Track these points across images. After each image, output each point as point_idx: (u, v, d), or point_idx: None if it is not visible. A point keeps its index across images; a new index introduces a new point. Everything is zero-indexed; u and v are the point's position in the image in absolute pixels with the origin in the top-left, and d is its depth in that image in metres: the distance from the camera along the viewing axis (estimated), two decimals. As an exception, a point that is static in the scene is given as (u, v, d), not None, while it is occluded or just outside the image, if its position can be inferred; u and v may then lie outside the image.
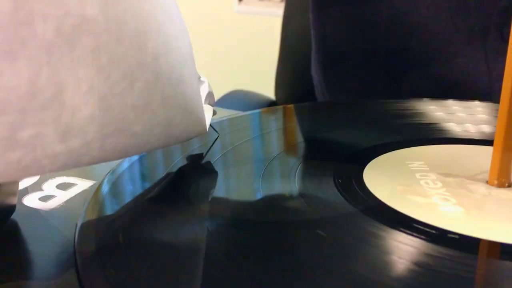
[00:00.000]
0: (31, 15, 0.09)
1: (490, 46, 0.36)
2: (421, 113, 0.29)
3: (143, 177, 0.22)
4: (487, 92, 0.36)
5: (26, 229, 0.21)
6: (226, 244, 0.16)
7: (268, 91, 0.72)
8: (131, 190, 0.20)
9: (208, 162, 0.23)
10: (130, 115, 0.13)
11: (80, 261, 0.14)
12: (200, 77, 0.24)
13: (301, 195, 0.19)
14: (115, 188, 0.20)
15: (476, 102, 0.31)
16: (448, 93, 0.38)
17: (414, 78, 0.39)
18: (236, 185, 0.21)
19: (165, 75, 0.15)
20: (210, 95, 0.24)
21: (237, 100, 0.63)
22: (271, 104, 0.64)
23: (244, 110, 0.61)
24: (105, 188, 0.19)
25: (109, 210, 0.18)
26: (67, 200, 0.23)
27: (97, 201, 0.18)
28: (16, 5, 0.10)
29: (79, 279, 0.14)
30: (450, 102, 0.31)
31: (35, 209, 0.22)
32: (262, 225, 0.17)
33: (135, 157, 0.22)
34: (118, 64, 0.12)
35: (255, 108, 0.62)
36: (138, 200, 0.19)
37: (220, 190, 0.20)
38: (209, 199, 0.19)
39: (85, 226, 0.16)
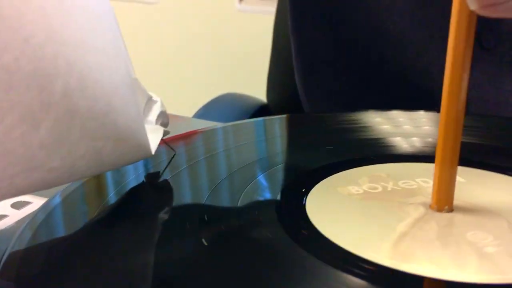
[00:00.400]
0: None
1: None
2: (366, 126, 0.29)
3: (91, 200, 0.22)
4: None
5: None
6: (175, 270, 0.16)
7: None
8: (75, 214, 0.20)
9: (165, 181, 0.23)
10: (39, 154, 0.13)
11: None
12: (151, 97, 0.24)
13: (241, 226, 0.19)
14: (58, 211, 0.20)
15: (421, 112, 0.30)
16: (425, 100, 0.37)
17: (391, 88, 0.38)
18: (182, 210, 0.21)
19: (83, 110, 0.15)
20: (162, 114, 0.24)
21: (225, 104, 0.63)
22: (260, 108, 0.64)
23: (232, 115, 0.61)
24: (43, 213, 0.19)
25: (44, 237, 0.18)
26: (18, 220, 0.23)
27: (33, 227, 0.18)
28: None
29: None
30: (395, 113, 0.31)
31: (-15, 229, 0.22)
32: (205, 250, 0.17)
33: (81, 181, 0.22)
34: (11, 110, 0.12)
35: (242, 113, 0.62)
36: (82, 225, 0.19)
37: (174, 210, 0.20)
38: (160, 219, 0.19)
39: (11, 256, 0.16)
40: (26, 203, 0.24)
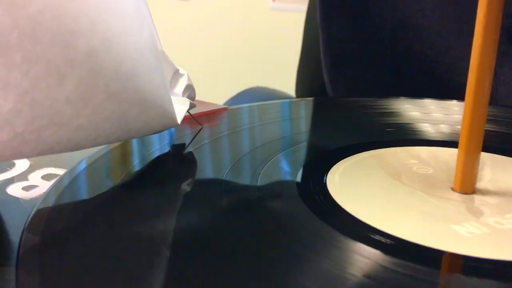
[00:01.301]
0: None
1: (498, 50, 0.35)
2: (397, 112, 0.29)
3: (115, 167, 0.22)
4: (492, 96, 0.35)
5: (4, 217, 0.22)
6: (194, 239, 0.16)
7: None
8: (102, 177, 0.21)
9: (190, 153, 0.23)
10: (66, 110, 0.14)
11: (22, 246, 0.15)
12: (178, 70, 0.24)
13: (261, 197, 0.19)
14: (88, 172, 0.21)
15: (454, 102, 0.30)
16: (453, 95, 0.37)
17: (419, 80, 0.38)
18: (204, 181, 0.21)
19: (108, 71, 0.15)
20: (189, 87, 0.24)
21: (252, 97, 0.63)
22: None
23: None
24: (76, 171, 0.20)
25: (73, 196, 0.19)
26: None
27: (58, 189, 0.19)
28: None
29: (16, 272, 0.14)
30: (427, 101, 0.30)
31: (16, 198, 0.23)
32: (224, 222, 0.17)
33: (112, 145, 0.23)
34: (37, 61, 0.12)
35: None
36: (105, 190, 0.20)
37: (196, 180, 0.21)
38: (182, 189, 0.20)
39: (39, 212, 0.17)
40: (56, 175, 0.25)
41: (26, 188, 0.24)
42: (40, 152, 0.15)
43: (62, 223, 0.17)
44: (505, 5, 0.34)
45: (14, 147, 0.13)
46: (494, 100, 0.35)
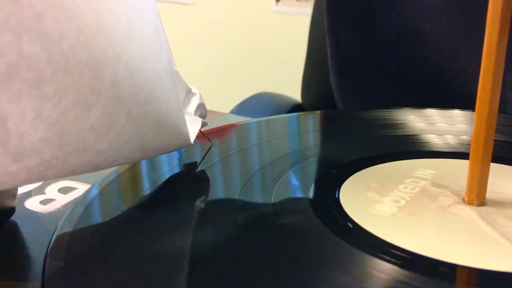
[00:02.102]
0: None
1: (506, 56, 0.36)
2: (401, 123, 0.29)
3: (131, 186, 0.23)
4: (501, 100, 0.35)
5: (23, 231, 0.22)
6: (208, 255, 0.16)
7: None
8: (116, 200, 0.22)
9: (202, 171, 0.24)
10: (90, 137, 0.14)
11: (47, 272, 0.15)
12: (191, 89, 0.25)
13: (275, 213, 0.19)
14: (101, 197, 0.21)
15: (457, 111, 0.30)
16: (461, 102, 0.37)
17: (426, 87, 0.38)
18: (218, 199, 0.22)
19: (130, 97, 0.16)
20: (201, 106, 0.25)
21: (260, 103, 0.64)
22: (295, 107, 0.65)
23: (265, 114, 0.62)
24: (89, 197, 0.21)
25: (89, 221, 0.20)
26: (65, 204, 0.24)
27: (76, 212, 0.20)
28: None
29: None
30: (431, 111, 0.31)
31: (34, 211, 0.24)
32: (241, 238, 0.18)
33: (124, 166, 0.23)
34: (67, 93, 0.13)
35: (277, 112, 0.63)
36: (120, 212, 0.20)
37: (209, 198, 0.21)
38: (197, 207, 0.20)
39: (59, 237, 0.18)
40: (72, 189, 0.26)
41: (44, 202, 0.24)
42: (63, 175, 0.15)
43: (83, 246, 0.17)
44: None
45: (40, 172, 0.14)
46: (502, 105, 0.35)
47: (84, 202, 0.21)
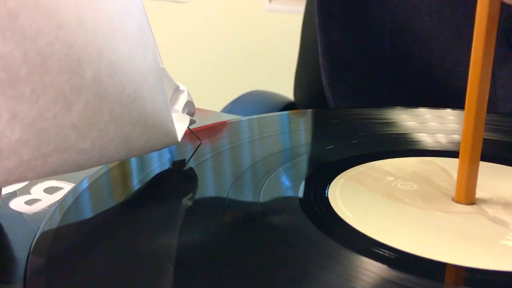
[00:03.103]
0: None
1: (497, 53, 0.36)
2: (393, 122, 0.29)
3: (116, 185, 0.22)
4: (492, 100, 0.35)
5: (8, 232, 0.22)
6: (199, 253, 0.16)
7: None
8: (102, 198, 0.21)
9: (190, 168, 0.24)
10: (71, 135, 0.14)
11: (29, 271, 0.15)
12: (179, 86, 0.24)
13: (264, 212, 0.19)
14: (89, 192, 0.21)
15: (448, 110, 0.30)
16: (452, 99, 0.37)
17: (418, 85, 0.38)
18: (206, 197, 0.21)
19: (113, 96, 0.15)
20: (189, 104, 0.25)
21: (252, 101, 0.63)
22: (288, 105, 0.65)
23: (258, 112, 0.62)
24: (77, 192, 0.20)
25: (73, 219, 0.19)
26: (50, 204, 0.24)
27: (62, 209, 0.19)
28: None
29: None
30: (422, 110, 0.31)
31: (19, 212, 0.23)
32: (228, 235, 0.17)
33: (111, 164, 0.23)
34: (45, 91, 0.13)
35: (269, 110, 0.62)
36: (106, 210, 0.20)
37: (197, 196, 0.21)
38: (185, 205, 0.20)
39: (42, 236, 0.17)
40: (58, 189, 0.25)
41: (29, 202, 0.24)
42: (44, 175, 0.15)
43: (67, 243, 0.17)
44: (503, 9, 0.34)
45: (19, 173, 0.13)
46: (493, 103, 0.35)
47: (73, 195, 0.20)
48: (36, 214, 0.23)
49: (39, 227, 0.18)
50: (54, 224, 0.18)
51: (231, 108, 0.58)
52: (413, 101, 0.38)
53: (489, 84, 0.19)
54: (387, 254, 0.16)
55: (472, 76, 0.18)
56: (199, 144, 0.26)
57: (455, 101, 0.37)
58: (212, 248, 0.17)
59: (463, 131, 0.19)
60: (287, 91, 0.72)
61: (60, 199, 0.21)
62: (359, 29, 0.40)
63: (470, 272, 0.15)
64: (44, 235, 0.18)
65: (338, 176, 0.22)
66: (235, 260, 0.16)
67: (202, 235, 0.18)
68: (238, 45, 1.44)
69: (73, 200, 0.20)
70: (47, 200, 0.24)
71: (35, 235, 0.17)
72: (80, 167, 0.16)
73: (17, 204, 0.24)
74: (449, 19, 0.35)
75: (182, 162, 0.24)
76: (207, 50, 1.48)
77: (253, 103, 0.62)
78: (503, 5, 0.35)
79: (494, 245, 0.16)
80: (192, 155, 0.24)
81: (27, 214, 0.23)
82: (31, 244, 0.17)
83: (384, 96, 0.40)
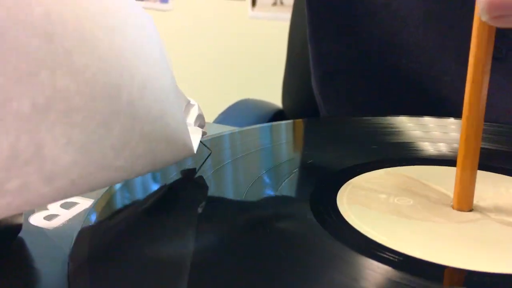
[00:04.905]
0: (8, 98, 0.12)
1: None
2: (398, 131, 0.31)
3: (138, 193, 0.24)
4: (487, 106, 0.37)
5: (31, 247, 0.23)
6: (214, 256, 0.17)
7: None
8: (126, 205, 0.23)
9: (200, 177, 0.25)
10: (110, 154, 0.15)
11: (71, 269, 0.16)
12: (190, 101, 0.26)
13: (277, 219, 0.20)
14: (112, 202, 0.22)
15: (451, 119, 0.32)
16: (438, 107, 0.39)
17: (406, 93, 0.40)
18: (220, 203, 0.23)
19: (142, 115, 0.17)
20: (200, 117, 0.26)
21: (243, 110, 0.65)
22: (277, 113, 0.66)
23: (250, 121, 0.63)
24: (102, 203, 0.22)
25: (104, 224, 0.20)
26: (69, 219, 0.25)
27: (89, 218, 0.20)
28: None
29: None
30: (426, 119, 0.32)
31: (40, 227, 0.24)
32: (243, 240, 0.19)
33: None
34: (93, 117, 0.14)
35: (261, 119, 0.64)
36: (131, 215, 0.21)
37: (209, 203, 0.22)
38: (199, 212, 0.21)
39: (80, 239, 0.18)
40: (74, 204, 0.26)
41: (48, 218, 0.25)
42: (83, 192, 0.16)
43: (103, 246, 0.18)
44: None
45: (65, 191, 0.15)
46: (488, 108, 0.37)
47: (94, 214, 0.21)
48: (56, 229, 0.24)
49: (79, 229, 0.19)
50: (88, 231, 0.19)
51: (223, 118, 0.60)
52: (401, 109, 0.40)
53: (485, 94, 0.20)
54: (425, 267, 0.17)
55: (470, 89, 0.20)
56: (209, 154, 0.27)
57: (443, 108, 0.39)
58: (224, 254, 0.18)
59: (460, 140, 0.21)
60: (274, 98, 0.74)
61: (76, 217, 0.22)
62: (350, 41, 0.42)
63: (470, 274, 0.17)
64: (81, 237, 0.19)
65: (345, 184, 0.23)
66: (246, 265, 0.17)
67: (214, 240, 0.19)
68: (223, 52, 1.45)
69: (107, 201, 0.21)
70: (65, 215, 0.25)
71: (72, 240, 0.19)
72: (112, 183, 0.17)
73: (37, 220, 0.25)
74: (434, 31, 0.37)
75: (193, 171, 0.25)
76: (191, 59, 1.49)
77: (244, 112, 0.64)
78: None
79: (488, 248, 0.18)
80: (201, 165, 0.26)
81: (47, 229, 0.24)
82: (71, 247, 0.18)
83: (374, 104, 0.42)
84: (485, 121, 0.21)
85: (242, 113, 0.63)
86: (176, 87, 0.22)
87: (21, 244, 0.23)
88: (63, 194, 0.15)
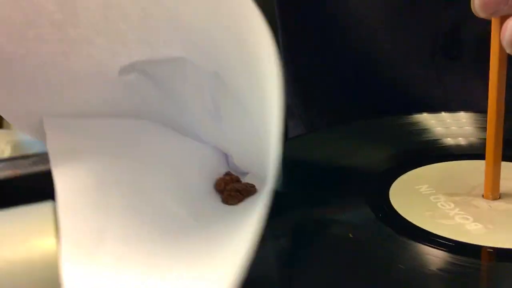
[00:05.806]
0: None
1: (439, 65, 0.43)
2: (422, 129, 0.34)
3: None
4: (444, 106, 0.42)
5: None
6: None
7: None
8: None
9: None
10: None
11: None
12: None
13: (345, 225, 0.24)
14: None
15: (462, 113, 0.36)
16: (411, 107, 0.44)
17: (382, 97, 0.45)
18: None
19: None
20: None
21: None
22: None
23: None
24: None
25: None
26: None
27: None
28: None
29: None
30: (444, 115, 0.36)
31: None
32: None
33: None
34: None
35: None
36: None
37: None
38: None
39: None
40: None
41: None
42: None
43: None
44: (438, 26, 0.41)
45: None
46: (444, 105, 0.42)
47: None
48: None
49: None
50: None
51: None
52: (381, 110, 0.45)
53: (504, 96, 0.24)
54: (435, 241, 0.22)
55: (492, 93, 0.24)
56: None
57: (417, 106, 0.44)
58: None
59: (487, 137, 0.25)
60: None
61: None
62: (325, 56, 0.46)
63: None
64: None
65: (396, 180, 0.28)
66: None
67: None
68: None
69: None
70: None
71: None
72: None
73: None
74: (401, 43, 0.43)
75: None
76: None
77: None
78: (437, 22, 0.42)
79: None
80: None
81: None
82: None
83: (354, 109, 0.46)
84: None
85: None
86: None
87: None
88: None
